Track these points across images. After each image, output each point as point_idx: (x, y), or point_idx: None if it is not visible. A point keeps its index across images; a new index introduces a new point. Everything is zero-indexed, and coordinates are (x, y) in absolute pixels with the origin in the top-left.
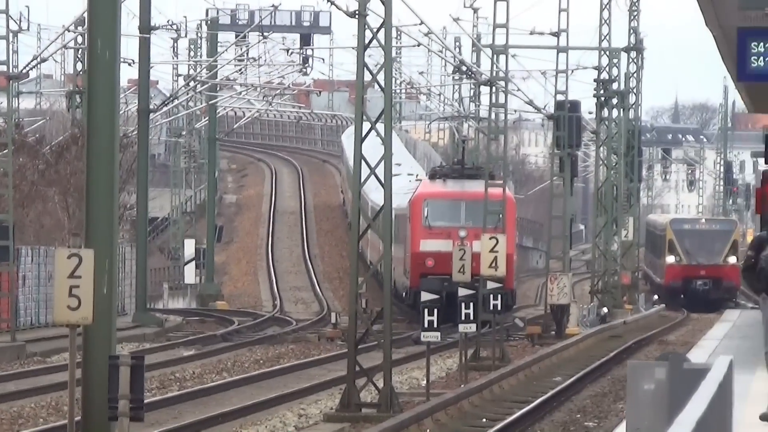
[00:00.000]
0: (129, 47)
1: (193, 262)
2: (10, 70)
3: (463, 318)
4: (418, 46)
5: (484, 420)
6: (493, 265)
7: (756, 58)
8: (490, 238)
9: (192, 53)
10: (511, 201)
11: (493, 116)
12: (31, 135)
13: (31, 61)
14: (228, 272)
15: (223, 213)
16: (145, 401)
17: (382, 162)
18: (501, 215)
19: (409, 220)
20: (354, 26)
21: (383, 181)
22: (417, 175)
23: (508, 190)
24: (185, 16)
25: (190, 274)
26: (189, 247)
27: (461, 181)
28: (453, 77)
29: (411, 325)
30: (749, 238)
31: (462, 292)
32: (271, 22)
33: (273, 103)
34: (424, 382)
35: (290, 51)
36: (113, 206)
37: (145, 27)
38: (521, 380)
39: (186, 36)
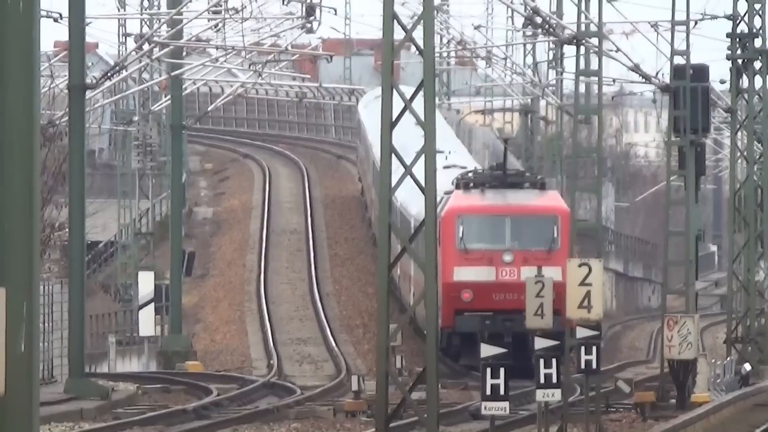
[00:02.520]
0: None
1: (152, 306)
2: None
3: (542, 381)
4: None
5: None
6: (586, 303)
7: None
8: (580, 265)
9: (146, 3)
10: (566, 215)
11: (581, 89)
12: None
13: None
14: (202, 319)
15: (195, 234)
16: None
17: (422, 156)
18: (555, 232)
19: (439, 242)
20: None
21: (424, 185)
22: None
23: (561, 198)
24: None
25: (147, 323)
26: (146, 283)
27: (503, 191)
28: (524, 33)
29: (468, 391)
30: None
31: (540, 343)
32: None
33: (264, 74)
34: None
35: None
36: (33, 226)
37: None
38: None
39: None
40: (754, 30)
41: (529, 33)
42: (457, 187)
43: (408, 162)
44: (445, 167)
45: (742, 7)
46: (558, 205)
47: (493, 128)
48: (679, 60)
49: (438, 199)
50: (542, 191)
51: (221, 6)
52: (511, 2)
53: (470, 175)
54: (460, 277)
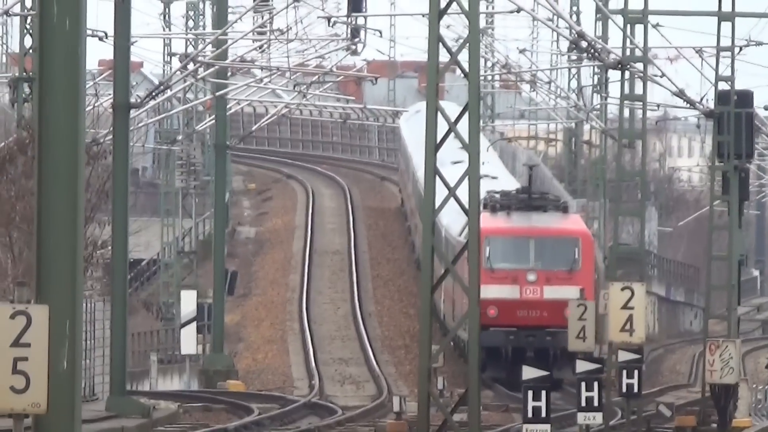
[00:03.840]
0: (100, 14)
1: (194, 324)
2: None
3: (584, 404)
4: (518, 12)
5: None
6: (628, 327)
7: None
8: (623, 289)
9: (191, 23)
10: (587, 237)
11: (626, 113)
12: None
13: None
14: (244, 338)
15: (238, 253)
16: None
17: (466, 178)
18: (577, 253)
19: (467, 261)
20: None
21: (468, 207)
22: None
23: (582, 222)
24: None
25: (189, 342)
26: (188, 302)
27: (528, 213)
28: (569, 57)
29: (509, 413)
30: None
31: (582, 366)
32: None
33: (309, 95)
34: None
35: (333, 20)
36: (77, 244)
37: None
38: None
39: None
40: None
41: (574, 57)
42: (485, 207)
43: (450, 181)
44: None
45: None
46: (579, 228)
47: (536, 149)
48: (723, 86)
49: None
50: (565, 214)
51: (266, 27)
52: (557, 26)
53: (497, 196)
54: (486, 295)
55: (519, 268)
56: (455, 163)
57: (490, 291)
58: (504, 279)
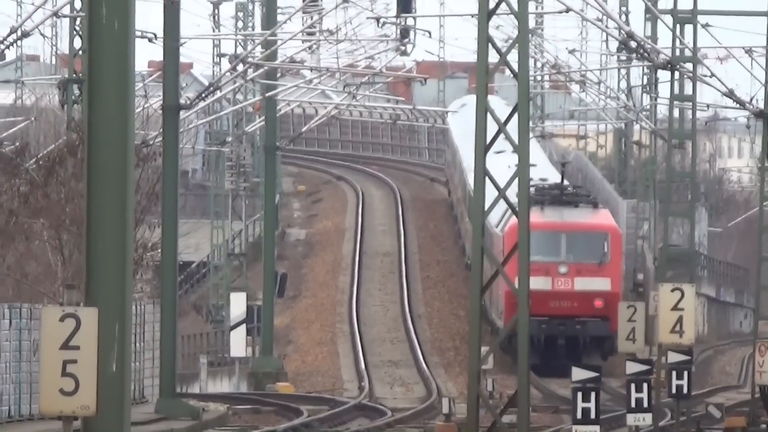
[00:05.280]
0: (150, 15)
1: (244, 327)
2: None
3: (633, 405)
4: (567, 12)
5: None
6: (678, 328)
7: None
8: (673, 290)
9: (241, 24)
10: (616, 232)
11: (675, 114)
12: (8, 142)
13: (8, 35)
14: (294, 340)
15: (287, 255)
16: None
17: (515, 180)
18: (606, 247)
19: (502, 254)
20: None
21: (517, 209)
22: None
23: (611, 217)
24: None
25: (238, 344)
26: (237, 304)
27: (560, 208)
28: (618, 58)
29: (558, 415)
30: None
31: (632, 368)
32: None
33: (358, 96)
34: None
35: (383, 20)
36: (126, 246)
37: None
38: None
39: None
40: None
41: (623, 57)
42: None
43: (499, 182)
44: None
45: None
46: (609, 223)
47: (586, 152)
48: None
49: (501, 214)
50: (595, 209)
51: (316, 28)
52: (606, 26)
53: (532, 191)
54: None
55: (551, 261)
56: (498, 152)
57: None
58: (537, 271)
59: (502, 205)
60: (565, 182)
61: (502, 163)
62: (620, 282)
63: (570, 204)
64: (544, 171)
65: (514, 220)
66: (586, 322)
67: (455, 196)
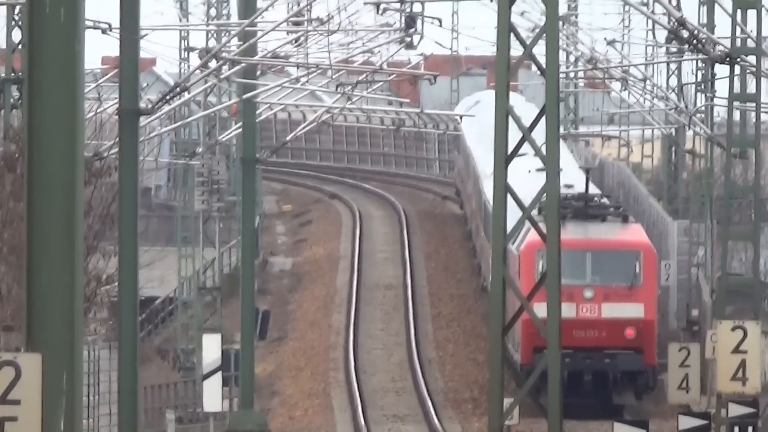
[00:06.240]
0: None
1: (219, 375)
2: None
3: None
4: None
5: None
6: (740, 375)
7: None
8: (734, 328)
9: (213, 12)
10: (649, 249)
11: (736, 116)
12: None
13: None
14: (279, 392)
15: (270, 289)
16: None
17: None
18: (638, 268)
19: (518, 276)
20: None
21: (546, 234)
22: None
23: (643, 232)
24: None
25: (213, 396)
26: (211, 348)
27: (584, 223)
28: (667, 50)
29: None
30: None
31: (685, 423)
32: None
33: (354, 97)
34: None
35: (384, 6)
36: (75, 279)
37: None
38: None
39: None
40: None
41: (673, 49)
42: (539, 212)
43: (524, 200)
44: (538, 170)
45: None
46: (640, 240)
47: (628, 161)
48: None
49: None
50: (624, 224)
51: (303, 16)
52: (653, 12)
53: None
54: (540, 314)
55: (575, 284)
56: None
57: (544, 309)
58: None
59: (516, 213)
60: (591, 191)
61: (520, 168)
62: (655, 307)
63: (596, 218)
64: (569, 176)
65: (532, 235)
66: (616, 355)
67: (469, 208)
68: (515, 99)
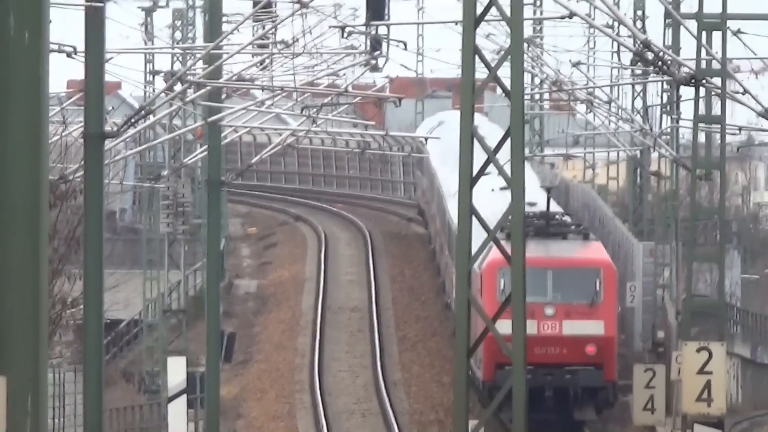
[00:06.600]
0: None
1: (184, 398)
2: None
3: None
4: (571, 17)
5: None
6: (705, 396)
7: None
8: (699, 350)
9: (178, 35)
10: (609, 267)
11: (701, 138)
12: None
13: None
14: (245, 414)
15: (236, 312)
16: None
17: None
18: (598, 285)
19: (480, 294)
20: None
21: (511, 256)
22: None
23: (604, 250)
24: None
25: (178, 419)
26: (176, 371)
27: (545, 241)
28: (632, 72)
29: None
30: None
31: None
32: None
33: (320, 119)
34: None
35: (349, 29)
36: (40, 302)
37: None
38: None
39: (168, 4)
40: None
41: (638, 71)
42: (500, 231)
43: (488, 220)
44: (502, 189)
45: None
46: (601, 257)
47: (593, 183)
48: None
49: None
50: (585, 241)
51: (268, 39)
52: (618, 34)
53: None
54: (502, 330)
55: (536, 302)
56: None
57: (505, 326)
58: None
59: (478, 232)
60: (552, 209)
61: (484, 187)
62: (615, 324)
63: (557, 235)
64: (531, 194)
65: (493, 254)
66: (577, 371)
67: (433, 227)
68: (478, 119)
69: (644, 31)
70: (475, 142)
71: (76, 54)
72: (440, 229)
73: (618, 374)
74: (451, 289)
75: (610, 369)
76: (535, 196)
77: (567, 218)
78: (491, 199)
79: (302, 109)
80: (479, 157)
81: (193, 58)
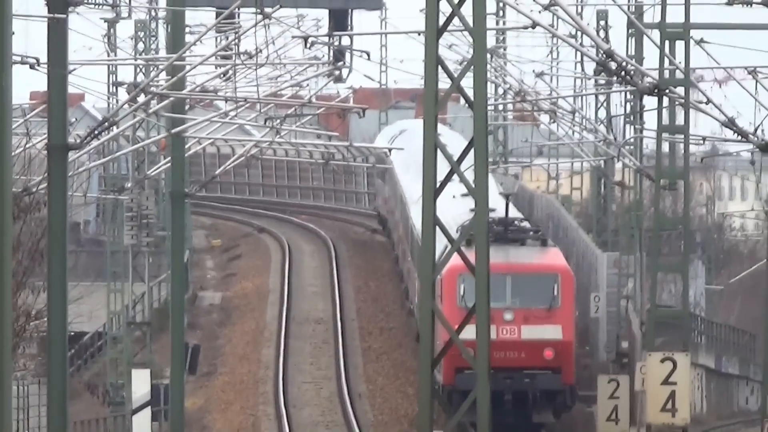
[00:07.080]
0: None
1: (148, 410)
2: None
3: None
4: (534, 27)
5: None
6: (669, 406)
7: None
8: (663, 360)
9: (141, 46)
10: (567, 273)
11: (665, 148)
12: None
13: None
14: (209, 426)
15: (200, 324)
16: None
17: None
18: (556, 290)
19: (441, 301)
20: None
21: (474, 266)
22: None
23: (562, 256)
24: None
25: (142, 430)
26: (141, 383)
27: (504, 247)
28: (596, 82)
29: None
30: None
31: None
32: None
33: (283, 131)
34: None
35: (312, 40)
36: (4, 314)
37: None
38: None
39: (130, 16)
40: None
41: (602, 81)
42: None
43: (451, 230)
44: (463, 195)
45: None
46: (558, 263)
47: (557, 194)
48: None
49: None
50: (544, 248)
51: (231, 50)
52: (581, 44)
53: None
54: (463, 335)
55: (495, 307)
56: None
57: (465, 331)
58: None
59: (440, 237)
60: (511, 215)
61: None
62: (572, 329)
63: (516, 241)
64: (491, 200)
65: (453, 260)
66: (536, 375)
67: (396, 234)
68: (449, 134)
69: (607, 41)
70: (439, 152)
71: (39, 65)
72: (403, 235)
73: (579, 382)
74: (414, 296)
75: (568, 373)
76: (495, 203)
77: (525, 224)
78: (453, 204)
79: (266, 120)
80: (441, 164)
81: (156, 69)
